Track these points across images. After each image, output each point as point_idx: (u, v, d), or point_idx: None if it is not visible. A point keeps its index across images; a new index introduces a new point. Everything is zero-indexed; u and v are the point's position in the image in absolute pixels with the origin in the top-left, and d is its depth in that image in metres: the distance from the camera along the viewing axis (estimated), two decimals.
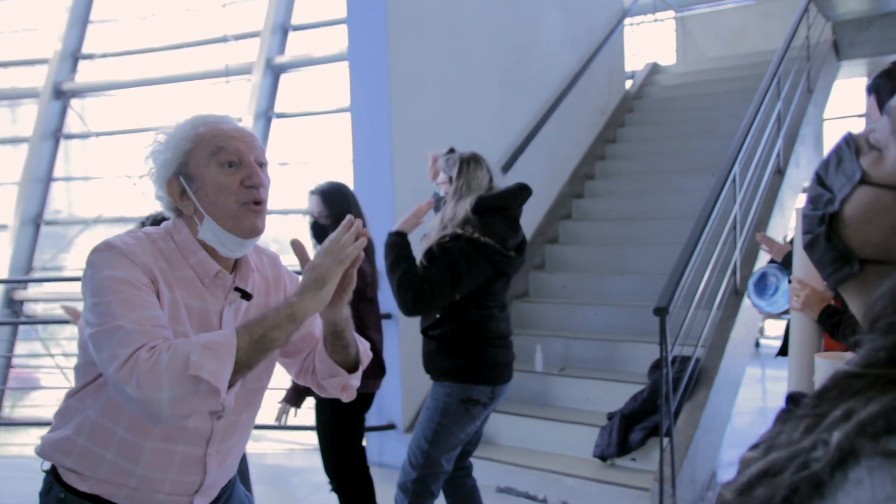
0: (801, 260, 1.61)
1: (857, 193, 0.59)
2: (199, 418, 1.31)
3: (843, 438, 0.46)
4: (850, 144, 0.62)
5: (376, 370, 2.88)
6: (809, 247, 0.66)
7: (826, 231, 0.63)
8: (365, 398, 2.89)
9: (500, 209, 2.58)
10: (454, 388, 2.57)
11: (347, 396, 1.48)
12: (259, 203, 1.32)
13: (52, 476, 1.34)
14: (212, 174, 1.30)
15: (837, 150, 0.63)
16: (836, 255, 0.62)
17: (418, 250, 2.60)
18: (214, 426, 1.34)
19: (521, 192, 2.67)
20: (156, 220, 2.61)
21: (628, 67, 7.66)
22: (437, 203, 2.75)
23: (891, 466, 0.43)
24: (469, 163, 2.62)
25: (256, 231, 1.33)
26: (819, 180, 0.64)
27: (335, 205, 2.86)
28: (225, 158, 1.30)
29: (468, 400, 2.56)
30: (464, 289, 2.51)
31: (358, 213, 2.95)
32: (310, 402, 3.00)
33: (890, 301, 0.50)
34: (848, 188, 0.60)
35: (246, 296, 1.38)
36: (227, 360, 1.13)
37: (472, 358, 2.57)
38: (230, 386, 1.16)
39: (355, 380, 1.48)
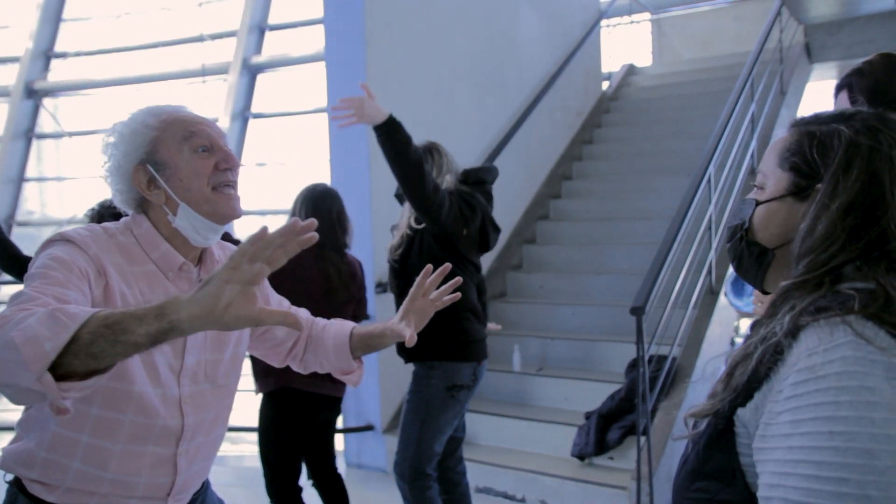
0: None
1: (756, 211, 0.97)
2: (169, 416, 1.28)
3: (790, 319, 0.83)
4: (743, 199, 1.01)
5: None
6: (739, 267, 1.01)
7: (745, 243, 0.98)
8: (315, 400, 2.73)
9: (481, 182, 2.73)
10: (437, 377, 2.59)
11: (356, 384, 1.62)
12: (231, 186, 1.32)
13: (17, 487, 1.28)
14: (185, 159, 1.28)
15: (737, 205, 1.02)
16: (756, 257, 0.97)
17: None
18: (185, 424, 1.31)
19: (493, 170, 2.85)
20: (107, 207, 2.43)
21: (605, 69, 7.71)
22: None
23: (818, 329, 0.80)
24: (432, 151, 2.71)
25: (235, 215, 1.33)
26: (731, 221, 1.02)
27: (304, 206, 2.80)
28: (198, 143, 1.30)
29: (453, 387, 2.59)
30: (469, 227, 2.59)
31: (328, 220, 2.78)
32: None
33: (798, 248, 0.89)
34: (750, 211, 0.98)
35: None
36: (58, 332, 0.91)
37: (454, 332, 2.59)
38: (74, 378, 0.93)
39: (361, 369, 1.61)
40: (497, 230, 2.77)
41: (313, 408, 2.76)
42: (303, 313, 1.65)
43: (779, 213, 0.94)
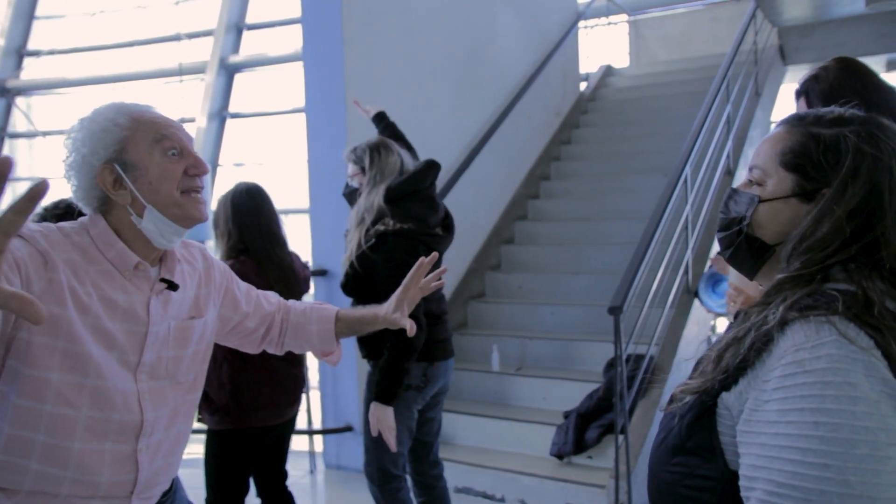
0: None
1: (760, 208, 1.00)
2: (126, 409, 1.27)
3: (782, 311, 0.89)
4: (736, 191, 1.04)
5: (274, 396, 2.55)
6: (733, 257, 1.05)
7: (745, 237, 1.01)
8: (265, 431, 2.56)
9: (412, 192, 2.55)
10: None
11: (336, 364, 1.72)
12: (199, 191, 1.32)
13: None
14: (156, 162, 1.27)
15: (730, 196, 1.05)
16: (755, 250, 1.01)
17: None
18: (144, 419, 1.30)
19: (429, 171, 2.62)
20: (50, 210, 2.36)
21: (582, 69, 7.75)
22: (352, 195, 2.69)
23: (805, 326, 0.86)
24: (379, 150, 2.58)
25: (202, 218, 1.33)
26: (725, 212, 1.05)
27: (220, 209, 2.57)
28: (169, 146, 1.28)
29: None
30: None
31: (242, 220, 2.53)
32: None
33: (795, 245, 0.94)
34: (752, 207, 1.00)
35: (172, 286, 1.35)
36: None
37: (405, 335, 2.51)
38: None
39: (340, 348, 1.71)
40: (449, 232, 2.63)
41: (263, 438, 2.58)
42: (272, 297, 1.67)
43: (783, 212, 0.98)
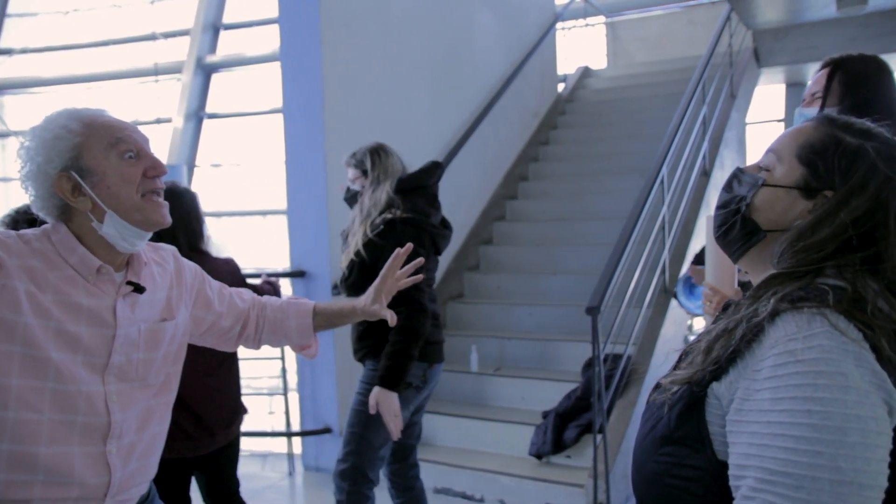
0: (713, 268, 1.69)
1: (762, 192, 1.02)
2: (90, 412, 1.26)
3: (773, 303, 0.92)
4: (743, 171, 1.07)
5: (189, 427, 2.33)
6: (724, 234, 1.07)
7: (742, 217, 1.03)
8: (184, 463, 2.38)
9: (419, 187, 2.64)
10: None
11: (313, 357, 1.77)
12: (160, 193, 1.32)
13: None
14: (113, 166, 1.26)
15: (735, 175, 1.08)
16: (747, 231, 1.03)
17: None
18: (112, 421, 1.29)
19: (436, 168, 2.74)
20: (23, 213, 2.12)
21: (560, 70, 7.79)
22: (353, 199, 2.71)
23: (797, 317, 0.88)
24: (378, 152, 2.65)
25: (164, 222, 1.33)
26: (728, 190, 1.08)
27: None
28: (125, 149, 1.28)
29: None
30: (426, 267, 2.50)
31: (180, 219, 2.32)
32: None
33: (792, 241, 0.96)
34: (755, 189, 1.03)
35: (139, 289, 1.35)
36: None
37: (412, 319, 2.52)
38: None
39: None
40: (448, 230, 2.73)
41: (185, 468, 2.43)
42: (246, 294, 1.67)
43: (782, 201, 1.00)
